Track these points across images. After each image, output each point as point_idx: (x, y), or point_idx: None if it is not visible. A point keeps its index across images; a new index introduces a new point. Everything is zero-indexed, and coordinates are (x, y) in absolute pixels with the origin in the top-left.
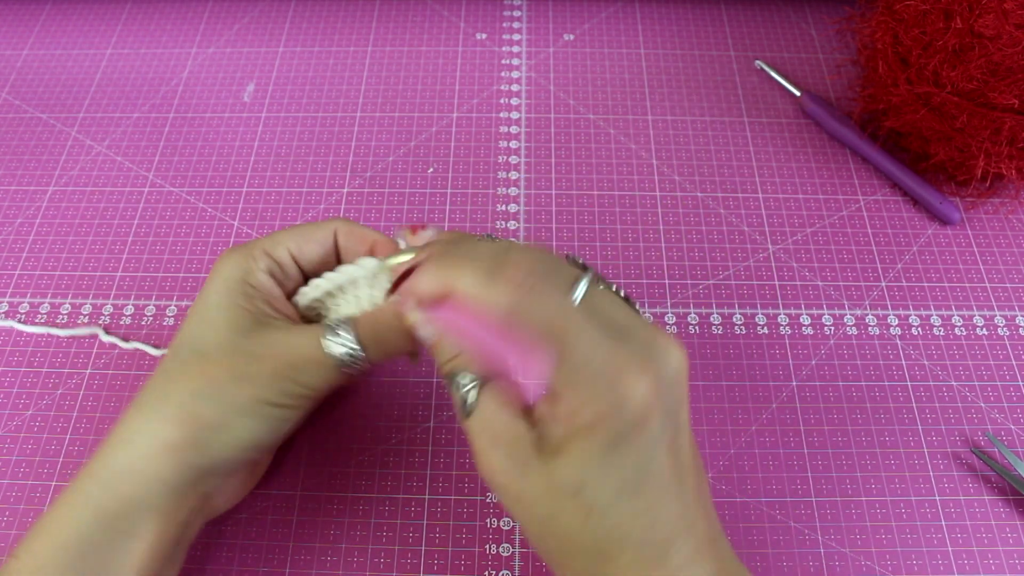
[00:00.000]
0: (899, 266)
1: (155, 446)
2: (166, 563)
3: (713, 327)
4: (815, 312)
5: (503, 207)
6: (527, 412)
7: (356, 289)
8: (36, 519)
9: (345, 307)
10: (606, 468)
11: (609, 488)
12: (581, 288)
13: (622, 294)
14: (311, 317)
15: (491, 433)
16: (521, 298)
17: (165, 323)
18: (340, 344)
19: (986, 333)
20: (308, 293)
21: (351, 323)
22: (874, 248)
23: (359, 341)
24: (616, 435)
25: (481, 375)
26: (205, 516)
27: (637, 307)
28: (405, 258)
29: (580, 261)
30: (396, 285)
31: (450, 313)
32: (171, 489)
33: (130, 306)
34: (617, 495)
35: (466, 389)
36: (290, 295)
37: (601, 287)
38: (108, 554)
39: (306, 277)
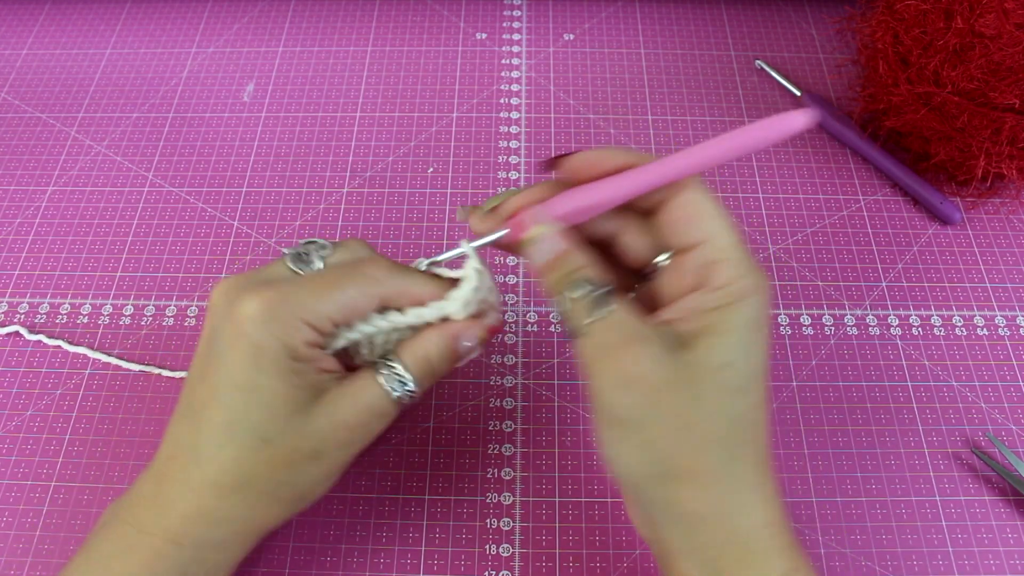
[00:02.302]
0: (900, 266)
1: (251, 529)
2: None
3: None
4: (815, 312)
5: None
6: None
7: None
8: (37, 522)
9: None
10: (749, 347)
11: (748, 369)
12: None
13: None
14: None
15: (631, 328)
16: (669, 177)
17: (164, 323)
18: (398, 385)
19: (987, 333)
20: (347, 335)
21: (397, 358)
22: (874, 248)
23: (413, 377)
24: (759, 312)
25: (604, 283)
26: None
27: None
28: (494, 205)
29: None
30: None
31: (592, 190)
32: (243, 548)
33: (130, 306)
34: (751, 378)
35: (599, 293)
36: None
37: None
38: None
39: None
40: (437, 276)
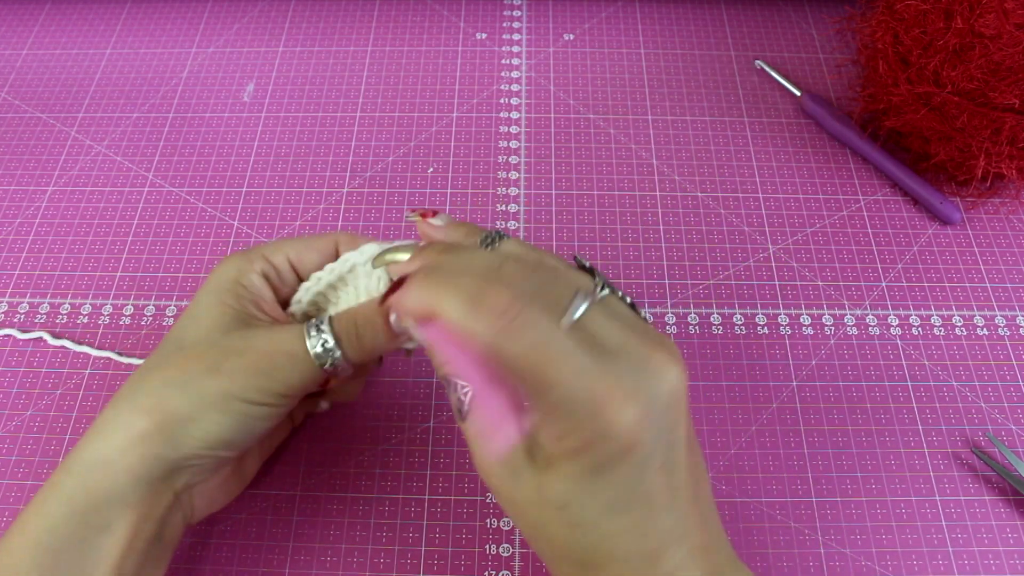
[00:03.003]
0: (899, 266)
1: (126, 437)
2: (146, 563)
3: (713, 327)
4: (815, 312)
5: (503, 207)
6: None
7: (356, 280)
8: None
9: (344, 304)
10: (591, 490)
11: (595, 507)
12: (576, 311)
13: (628, 301)
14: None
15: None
16: (501, 330)
17: (165, 323)
18: (316, 338)
19: (987, 333)
20: (310, 288)
21: (329, 318)
22: (874, 248)
23: (335, 336)
24: (600, 462)
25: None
26: (186, 518)
27: (641, 313)
28: (402, 256)
29: (587, 264)
30: (390, 293)
31: (437, 333)
32: (141, 481)
33: (130, 306)
34: (603, 513)
35: (462, 392)
36: (286, 302)
37: (605, 292)
38: (82, 549)
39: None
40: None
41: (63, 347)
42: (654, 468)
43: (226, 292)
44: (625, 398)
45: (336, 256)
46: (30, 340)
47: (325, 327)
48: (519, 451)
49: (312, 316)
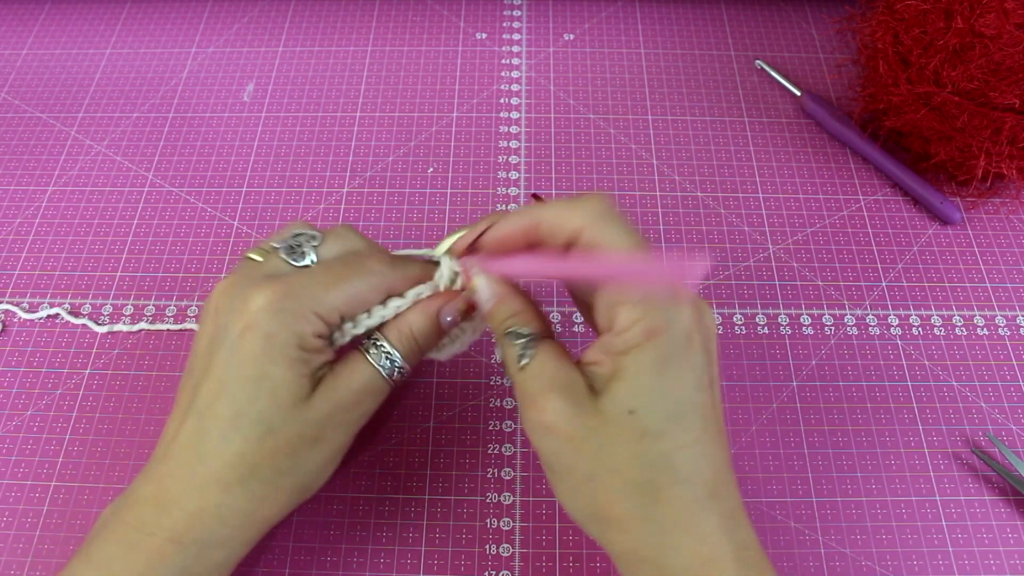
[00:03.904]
0: (899, 266)
1: (254, 524)
2: None
3: None
4: (815, 312)
5: (503, 207)
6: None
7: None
8: (37, 522)
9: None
10: (656, 391)
11: (659, 412)
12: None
13: None
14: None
15: (548, 378)
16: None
17: (164, 323)
18: (387, 362)
19: (987, 333)
20: (353, 332)
21: (383, 336)
22: (874, 248)
23: (400, 353)
24: (666, 352)
25: (535, 331)
26: None
27: None
28: (461, 234)
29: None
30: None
31: (520, 261)
32: (246, 545)
33: (129, 306)
34: (666, 419)
35: (523, 342)
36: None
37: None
38: None
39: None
40: (425, 261)
41: (62, 347)
42: (704, 383)
43: (295, 361)
44: (682, 299)
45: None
46: (30, 337)
47: (385, 345)
48: (581, 385)
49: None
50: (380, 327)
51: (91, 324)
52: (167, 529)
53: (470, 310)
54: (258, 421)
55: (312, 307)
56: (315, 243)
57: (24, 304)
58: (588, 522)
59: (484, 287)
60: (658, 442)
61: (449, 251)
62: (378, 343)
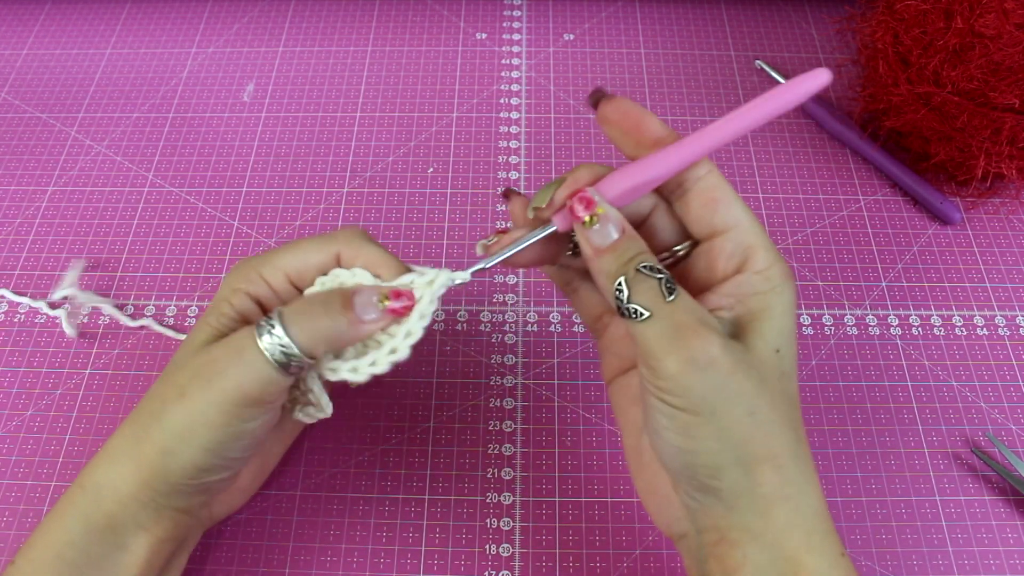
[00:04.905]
0: (899, 266)
1: (126, 465)
2: (167, 571)
3: None
4: (815, 312)
5: (503, 207)
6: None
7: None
8: (37, 523)
9: None
10: (791, 333)
11: (792, 354)
12: None
13: None
14: None
15: (701, 313)
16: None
17: (164, 323)
18: (265, 330)
19: (986, 333)
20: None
21: (277, 314)
22: (874, 248)
23: (280, 314)
24: (792, 299)
25: (667, 272)
26: (203, 524)
27: None
28: (550, 192)
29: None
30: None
31: (639, 168)
32: (148, 507)
33: (130, 306)
34: (792, 363)
35: (666, 276)
36: None
37: None
38: (102, 566)
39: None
40: (403, 265)
41: (62, 347)
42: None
43: (210, 312)
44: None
45: (337, 263)
46: (30, 337)
47: (275, 318)
48: (721, 329)
49: None
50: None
51: (91, 323)
52: (81, 475)
53: (401, 313)
54: (176, 357)
55: (257, 267)
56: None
57: (24, 304)
58: (730, 467)
59: (608, 219)
60: (791, 383)
61: (544, 207)
62: (271, 316)
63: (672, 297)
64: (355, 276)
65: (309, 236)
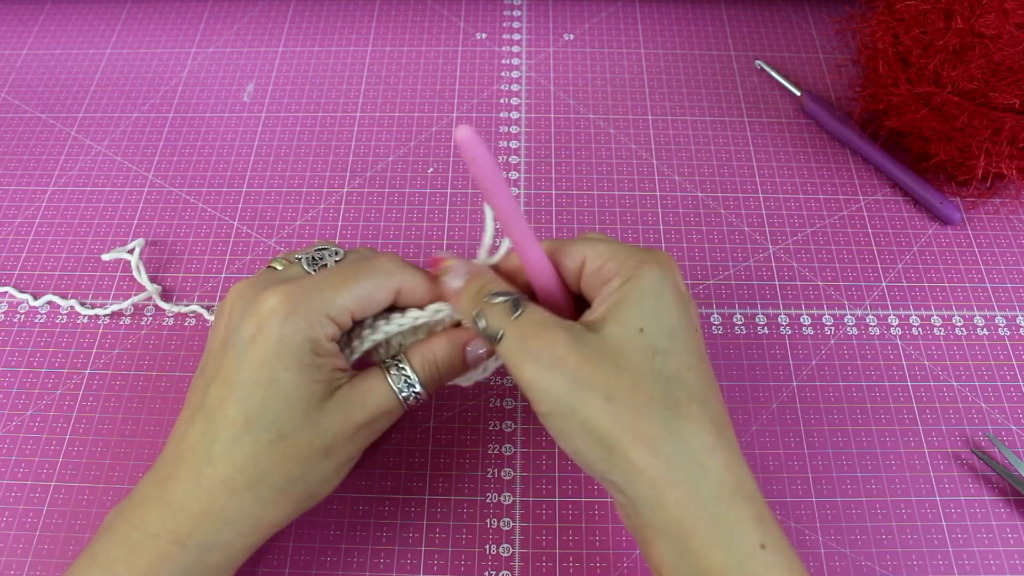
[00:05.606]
0: (899, 266)
1: (258, 529)
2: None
3: (713, 327)
4: (815, 312)
5: None
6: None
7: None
8: (37, 523)
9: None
10: (659, 311)
11: (664, 330)
12: None
13: None
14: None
15: (547, 318)
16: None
17: (164, 323)
18: (405, 385)
19: (987, 333)
20: (372, 338)
21: (406, 359)
22: (874, 248)
23: (419, 379)
24: (659, 278)
25: (515, 293)
26: None
27: None
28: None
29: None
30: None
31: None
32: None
33: (130, 306)
34: (670, 339)
35: (513, 297)
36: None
37: None
38: None
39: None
40: (434, 287)
41: (62, 347)
42: (687, 321)
43: (309, 367)
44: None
45: (396, 300)
46: (30, 337)
47: (406, 368)
48: (570, 329)
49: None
50: (406, 351)
51: (91, 323)
52: (171, 531)
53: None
54: (270, 426)
55: (323, 309)
56: (337, 257)
57: (24, 304)
58: (604, 460)
59: (458, 266)
60: (669, 360)
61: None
62: (400, 365)
63: (518, 312)
64: (439, 312)
65: (356, 265)
